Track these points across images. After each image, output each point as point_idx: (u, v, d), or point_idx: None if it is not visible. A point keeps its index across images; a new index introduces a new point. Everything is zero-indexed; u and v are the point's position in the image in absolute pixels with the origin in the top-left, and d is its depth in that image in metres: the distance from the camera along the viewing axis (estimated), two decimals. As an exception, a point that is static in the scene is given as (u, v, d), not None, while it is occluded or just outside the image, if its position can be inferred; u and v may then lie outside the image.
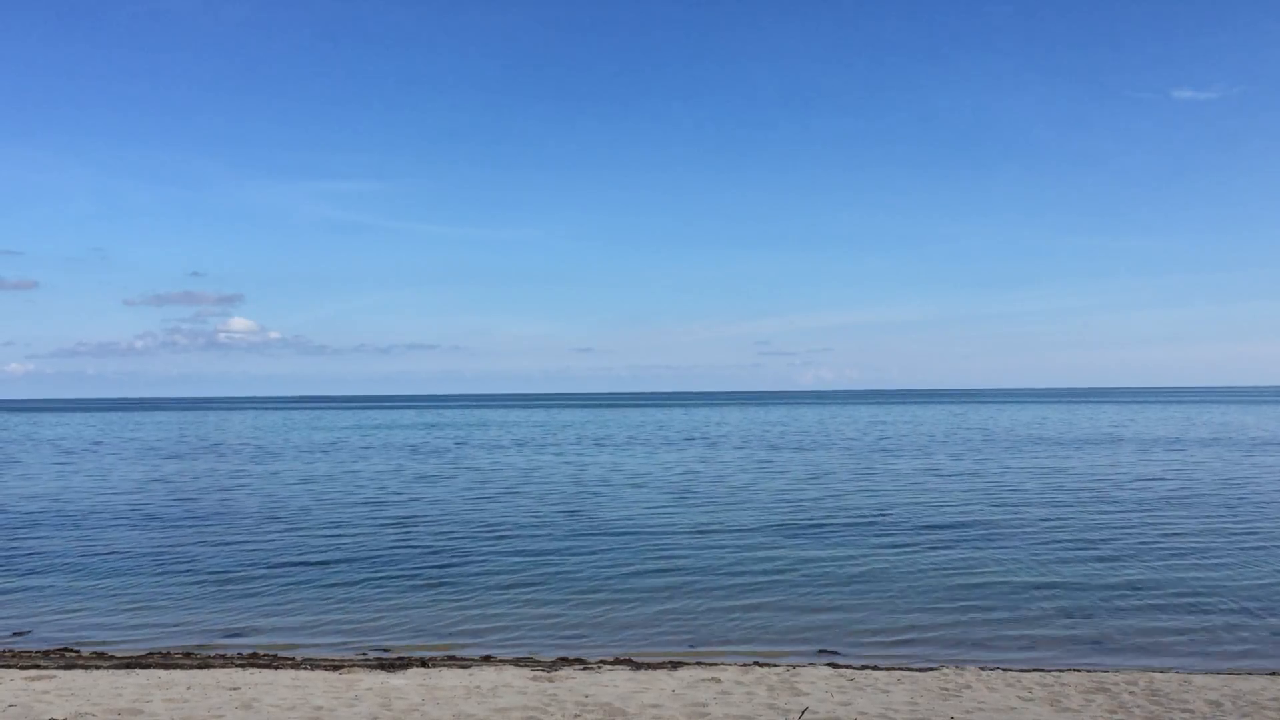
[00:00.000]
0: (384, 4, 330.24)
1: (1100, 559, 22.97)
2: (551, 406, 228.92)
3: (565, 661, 14.65)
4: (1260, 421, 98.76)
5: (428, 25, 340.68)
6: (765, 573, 21.64)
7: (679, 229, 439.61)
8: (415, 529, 28.75)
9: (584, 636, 16.75)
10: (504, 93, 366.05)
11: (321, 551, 24.97)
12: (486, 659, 14.97)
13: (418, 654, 15.33)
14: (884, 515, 30.69)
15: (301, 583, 21.17)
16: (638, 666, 14.21)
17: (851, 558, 23.36)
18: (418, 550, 25.02)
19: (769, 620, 17.63)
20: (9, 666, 13.94)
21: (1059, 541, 25.39)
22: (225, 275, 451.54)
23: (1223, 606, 18.35)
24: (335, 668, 14.12)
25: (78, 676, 13.12)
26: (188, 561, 23.72)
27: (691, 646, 16.03)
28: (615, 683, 12.97)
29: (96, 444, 77.44)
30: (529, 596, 19.67)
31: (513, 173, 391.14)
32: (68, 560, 23.97)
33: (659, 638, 16.63)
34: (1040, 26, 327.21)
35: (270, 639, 16.67)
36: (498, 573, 21.99)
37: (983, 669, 14.25)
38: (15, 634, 17.10)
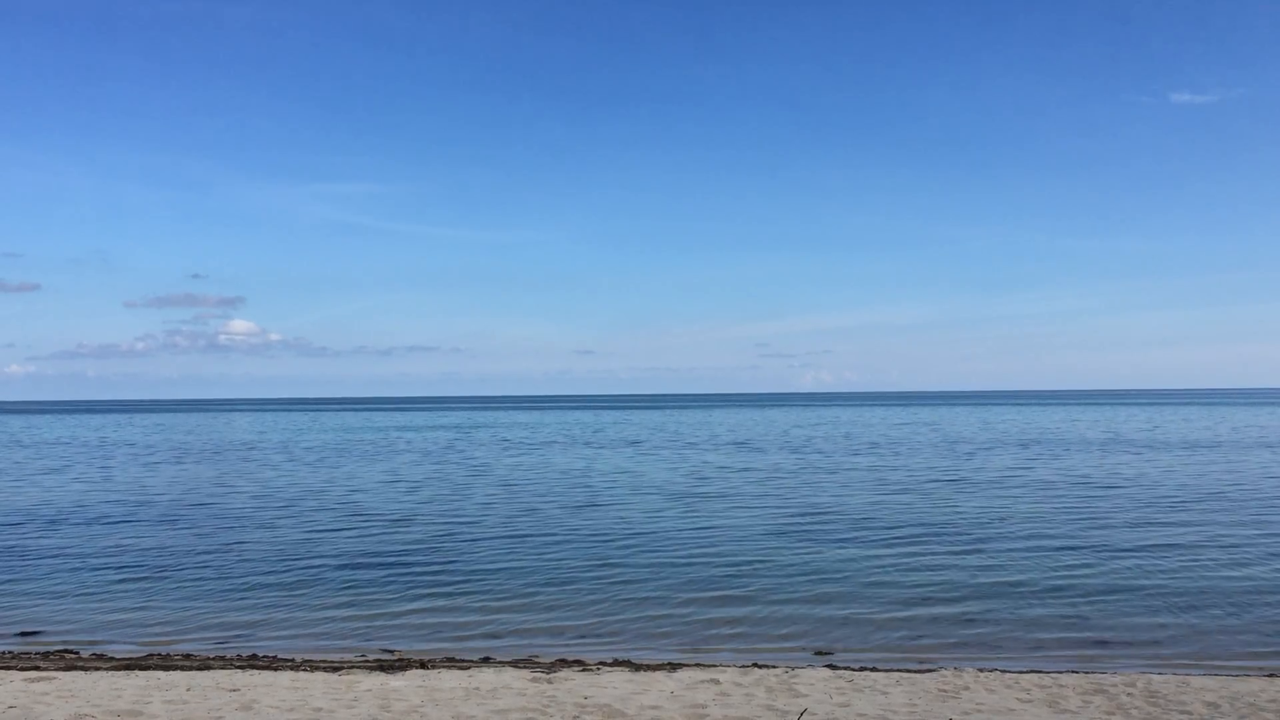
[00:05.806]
0: (385, 6, 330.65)
1: (1099, 560, 22.95)
2: (557, 408, 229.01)
3: (564, 663, 14.67)
4: (1271, 423, 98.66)
5: (428, 27, 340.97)
6: (764, 574, 21.64)
7: (679, 231, 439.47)
8: (415, 531, 28.79)
9: (583, 638, 16.78)
10: (505, 95, 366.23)
11: (321, 553, 25.00)
12: (486, 660, 15.00)
13: (417, 655, 15.37)
14: (883, 518, 30.69)
15: (301, 584, 21.21)
16: (637, 668, 14.23)
17: (851, 559, 23.36)
18: (417, 552, 25.05)
19: (768, 622, 17.65)
20: (9, 668, 13.99)
21: (1058, 543, 25.37)
22: (226, 277, 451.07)
23: (1221, 608, 18.32)
24: (335, 669, 14.15)
25: (78, 678, 13.16)
26: (188, 563, 23.77)
27: (691, 648, 16.05)
28: (614, 684, 12.99)
29: (98, 445, 77.56)
30: (529, 598, 19.70)
31: (513, 175, 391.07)
32: (70, 561, 24.02)
33: (658, 639, 16.65)
34: (1040, 30, 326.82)
35: (270, 640, 16.73)
36: (498, 574, 22.01)
37: (981, 670, 14.26)
38: (22, 634, 17.18)
